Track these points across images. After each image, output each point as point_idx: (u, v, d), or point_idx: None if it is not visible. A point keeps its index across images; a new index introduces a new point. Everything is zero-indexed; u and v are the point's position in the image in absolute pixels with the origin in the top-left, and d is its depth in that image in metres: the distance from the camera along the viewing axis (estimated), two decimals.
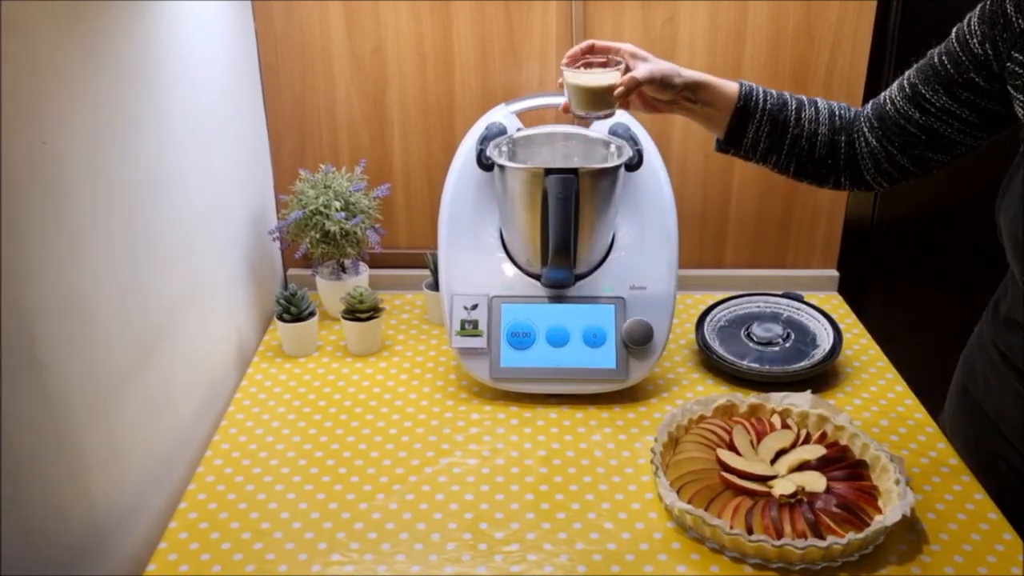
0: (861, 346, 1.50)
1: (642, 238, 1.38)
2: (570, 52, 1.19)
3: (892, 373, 1.42)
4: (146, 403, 1.11)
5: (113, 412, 1.03)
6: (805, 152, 1.17)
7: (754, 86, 1.17)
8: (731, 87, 1.17)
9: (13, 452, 0.84)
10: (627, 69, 1.16)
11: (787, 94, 1.18)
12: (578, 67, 1.17)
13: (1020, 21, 1.00)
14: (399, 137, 1.62)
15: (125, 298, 1.05)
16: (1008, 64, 1.02)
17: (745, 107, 1.16)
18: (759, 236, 1.69)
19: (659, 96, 1.17)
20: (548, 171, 1.25)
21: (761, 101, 1.16)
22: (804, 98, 1.18)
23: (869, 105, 1.17)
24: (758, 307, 1.53)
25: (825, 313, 1.48)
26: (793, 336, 1.45)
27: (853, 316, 1.61)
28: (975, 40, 1.05)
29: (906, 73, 1.14)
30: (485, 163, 1.34)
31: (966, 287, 1.81)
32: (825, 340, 1.43)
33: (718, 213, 1.67)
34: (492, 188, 1.37)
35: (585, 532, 1.08)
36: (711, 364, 1.42)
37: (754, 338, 1.44)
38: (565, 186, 1.24)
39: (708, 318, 1.50)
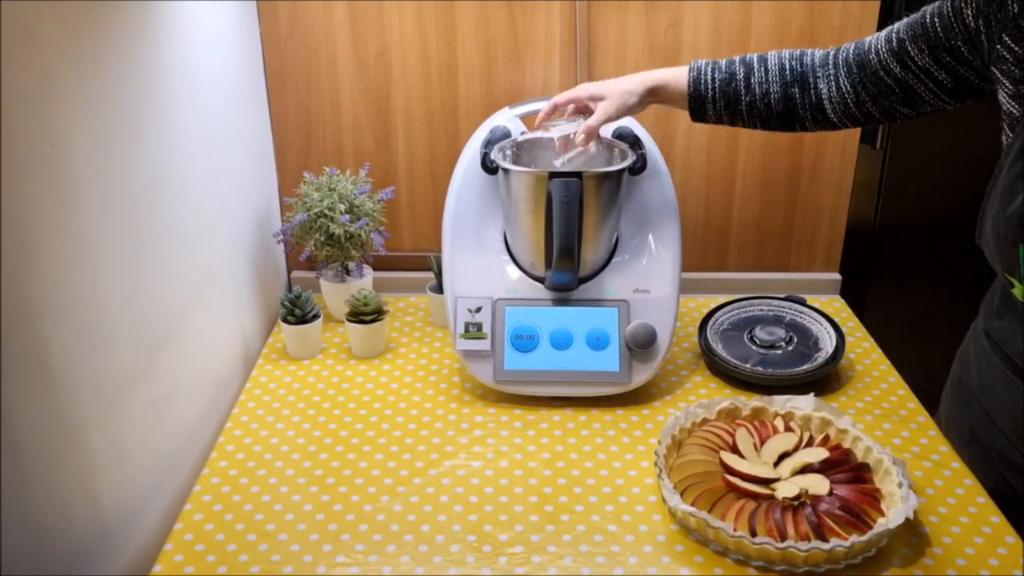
0: (864, 349, 1.50)
1: (645, 241, 1.38)
2: (540, 115, 1.32)
3: (895, 376, 1.43)
4: (152, 404, 1.12)
5: (119, 413, 1.03)
6: (763, 112, 1.24)
7: (702, 67, 1.26)
8: (682, 77, 1.26)
9: (20, 452, 0.84)
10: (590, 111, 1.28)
11: (736, 60, 1.25)
12: (551, 123, 1.33)
13: (1015, 6, 1.00)
14: (403, 140, 1.62)
15: (131, 300, 1.06)
16: (997, 47, 1.02)
17: (696, 92, 1.25)
18: (762, 239, 1.70)
19: (626, 116, 1.28)
20: (552, 174, 1.26)
21: (710, 81, 1.25)
22: (755, 58, 1.25)
23: (851, 48, 1.21)
24: (761, 310, 1.53)
25: (827, 316, 1.49)
26: (796, 339, 1.45)
27: (855, 319, 1.61)
28: (969, 11, 1.05)
29: (895, 26, 1.16)
30: (489, 166, 1.35)
31: (968, 291, 1.81)
32: (828, 343, 1.44)
33: (721, 216, 1.68)
34: (496, 191, 1.37)
35: (589, 534, 1.09)
36: (714, 367, 1.42)
37: (757, 341, 1.45)
38: (569, 189, 1.25)
39: (711, 321, 1.50)
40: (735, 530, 1.02)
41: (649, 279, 1.36)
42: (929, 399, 1.37)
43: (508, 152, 1.36)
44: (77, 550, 0.95)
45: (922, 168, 1.80)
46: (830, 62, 1.21)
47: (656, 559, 1.04)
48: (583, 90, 1.29)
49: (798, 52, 1.24)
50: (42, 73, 0.86)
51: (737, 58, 1.26)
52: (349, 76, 1.57)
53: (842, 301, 1.68)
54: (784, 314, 1.52)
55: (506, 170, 1.31)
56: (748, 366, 1.39)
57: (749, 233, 1.69)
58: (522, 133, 1.40)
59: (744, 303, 1.54)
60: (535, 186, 1.28)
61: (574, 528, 1.09)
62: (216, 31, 1.34)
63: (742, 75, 1.24)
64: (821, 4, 1.51)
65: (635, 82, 1.26)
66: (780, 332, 1.46)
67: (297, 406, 1.34)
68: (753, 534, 1.03)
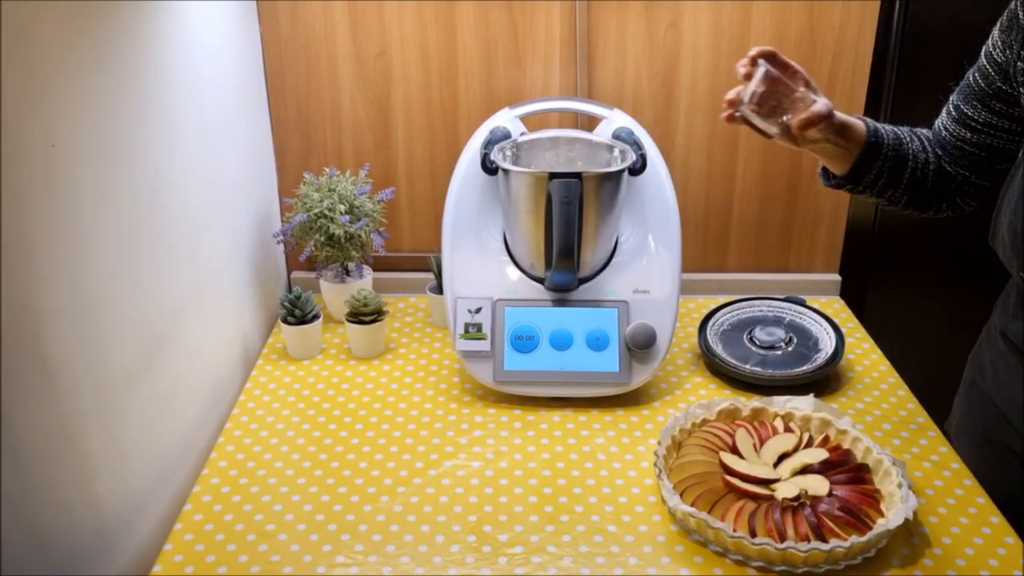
0: (863, 350, 1.50)
1: (645, 242, 1.38)
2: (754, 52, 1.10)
3: (894, 377, 1.43)
4: (152, 404, 1.12)
5: (119, 413, 1.03)
6: (919, 183, 1.18)
7: (874, 122, 1.16)
8: (859, 123, 1.14)
9: (20, 451, 0.85)
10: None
11: (892, 127, 1.18)
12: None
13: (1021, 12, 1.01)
14: (403, 141, 1.62)
15: (131, 300, 1.06)
16: (1019, 63, 1.03)
17: (875, 144, 1.14)
18: (761, 240, 1.70)
19: (814, 135, 1.11)
20: (552, 175, 1.26)
21: (884, 137, 1.15)
22: (905, 130, 1.20)
23: (930, 135, 1.20)
24: (760, 311, 1.53)
25: (827, 317, 1.49)
26: (796, 340, 1.45)
27: (855, 320, 1.61)
28: (996, 50, 1.08)
29: (949, 98, 1.17)
30: (489, 167, 1.35)
31: (968, 291, 1.81)
32: (827, 344, 1.44)
33: (721, 217, 1.68)
34: (496, 192, 1.37)
35: (589, 535, 1.09)
36: (714, 368, 1.42)
37: (757, 342, 1.45)
38: (569, 190, 1.25)
39: (711, 322, 1.50)
40: (735, 531, 1.02)
41: (649, 280, 1.36)
42: (929, 400, 1.36)
43: (508, 153, 1.36)
44: (77, 550, 0.95)
45: None
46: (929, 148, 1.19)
47: (656, 559, 1.04)
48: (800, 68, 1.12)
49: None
50: (42, 73, 0.86)
51: (888, 125, 1.19)
52: (349, 76, 1.57)
53: (842, 302, 1.68)
54: (784, 315, 1.52)
55: (506, 170, 1.31)
56: (748, 367, 1.39)
57: (749, 234, 1.69)
58: (522, 134, 1.40)
59: (744, 304, 1.54)
60: (535, 186, 1.28)
61: (574, 528, 1.09)
62: (216, 31, 1.34)
63: (906, 138, 1.17)
64: (821, 4, 1.51)
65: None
66: (780, 333, 1.46)
67: (297, 407, 1.34)
68: (753, 535, 1.03)
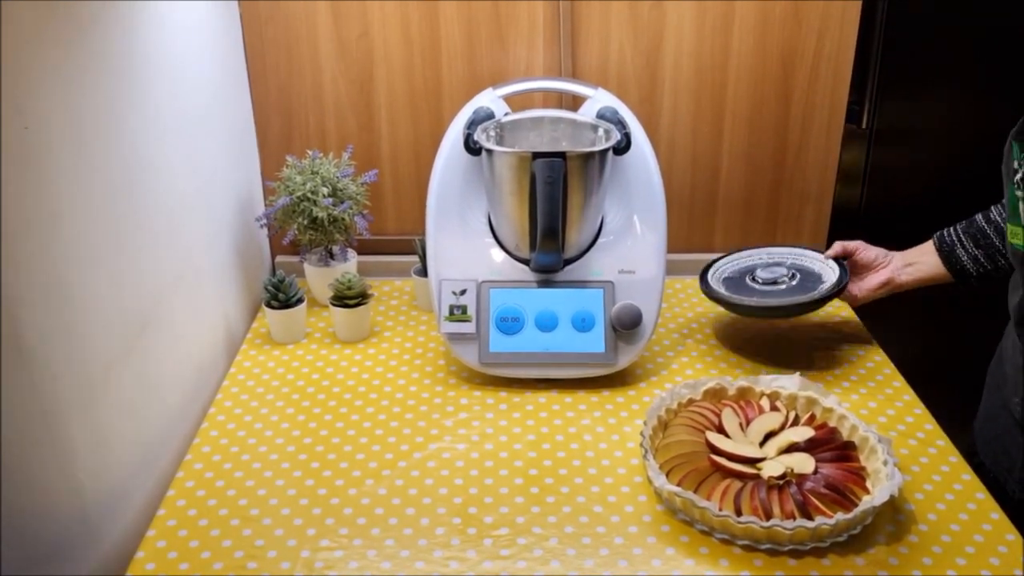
0: (850, 328, 1.50)
1: (631, 222, 1.37)
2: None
3: (880, 355, 1.43)
4: (133, 390, 1.11)
5: (100, 399, 1.02)
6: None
7: (943, 232, 1.33)
8: (927, 246, 1.35)
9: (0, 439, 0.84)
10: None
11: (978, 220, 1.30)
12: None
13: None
14: (386, 123, 1.61)
15: (111, 285, 1.04)
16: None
17: (942, 244, 1.32)
18: (747, 219, 1.69)
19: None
20: (536, 155, 1.25)
21: (950, 232, 1.32)
22: (980, 213, 1.30)
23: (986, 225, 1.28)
24: (760, 258, 1.50)
25: (831, 257, 1.45)
26: (799, 276, 1.43)
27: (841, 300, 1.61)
28: (1005, 165, 1.11)
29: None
30: (473, 148, 1.34)
31: None
32: (831, 276, 1.41)
33: (706, 196, 1.67)
34: (480, 173, 1.36)
35: (575, 515, 1.08)
36: (720, 302, 1.41)
37: (759, 280, 1.43)
38: (553, 170, 1.24)
39: (711, 271, 1.48)
40: (720, 510, 1.02)
41: (634, 260, 1.36)
42: (914, 377, 1.37)
43: (492, 133, 1.35)
44: (59, 536, 0.95)
45: (908, 146, 1.80)
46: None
47: (642, 539, 1.04)
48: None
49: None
50: (14, 53, 0.85)
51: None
52: (331, 58, 1.56)
53: None
54: (785, 259, 1.49)
55: (489, 151, 1.30)
56: (753, 299, 1.38)
57: (735, 213, 1.69)
58: (506, 114, 1.39)
59: (743, 253, 1.52)
60: (519, 167, 1.27)
61: (560, 509, 1.09)
62: (194, 11, 1.32)
63: (981, 218, 1.28)
64: None
65: (900, 270, 1.37)
66: (782, 271, 1.44)
67: (281, 391, 1.34)
68: (739, 513, 1.02)
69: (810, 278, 1.43)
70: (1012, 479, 1.19)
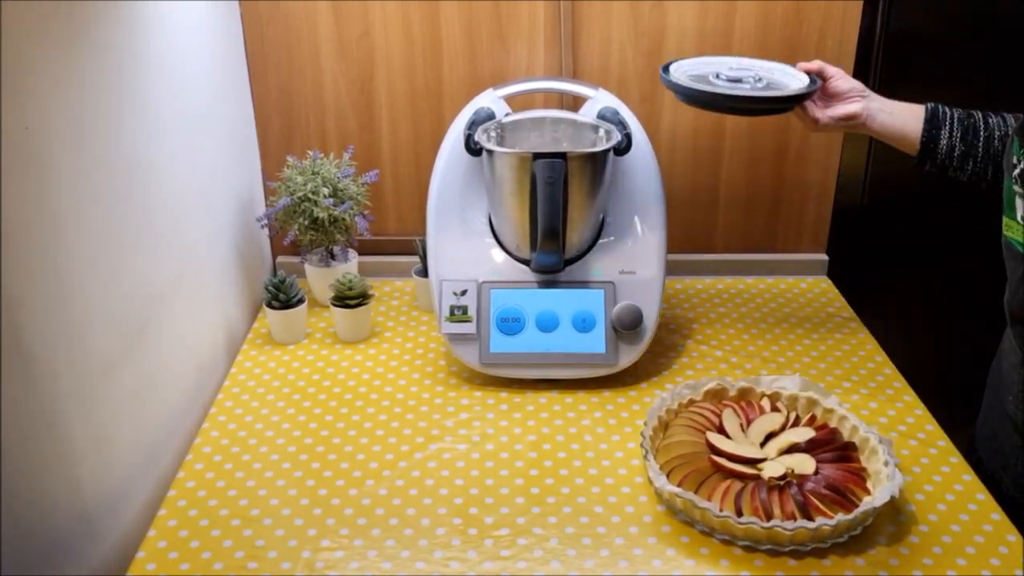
0: (851, 329, 1.50)
1: (631, 222, 1.37)
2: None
3: (881, 356, 1.42)
4: (134, 391, 1.11)
5: (101, 399, 1.02)
6: (1001, 153, 1.18)
7: (936, 104, 1.24)
8: (916, 107, 1.25)
9: (0, 439, 0.84)
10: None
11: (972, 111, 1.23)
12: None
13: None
14: (387, 123, 1.61)
15: (111, 285, 1.04)
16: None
17: (933, 116, 1.23)
18: (748, 220, 1.69)
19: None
20: (536, 155, 1.25)
21: (946, 111, 1.23)
22: (981, 112, 1.23)
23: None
24: (730, 65, 1.37)
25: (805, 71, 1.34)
26: (765, 81, 1.33)
27: (842, 300, 1.61)
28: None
29: None
30: (473, 148, 1.34)
31: (955, 271, 1.81)
32: (801, 82, 1.31)
33: (707, 197, 1.67)
34: (481, 173, 1.36)
35: (575, 516, 1.08)
36: (684, 96, 1.29)
37: (724, 78, 1.32)
38: (553, 170, 1.24)
39: (673, 66, 1.34)
40: (721, 510, 1.02)
41: (635, 261, 1.36)
42: (915, 379, 1.36)
43: (492, 134, 1.35)
44: (59, 537, 0.95)
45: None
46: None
47: (642, 540, 1.04)
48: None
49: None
50: (16, 53, 0.85)
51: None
52: (332, 58, 1.56)
53: (829, 282, 1.68)
54: (753, 67, 1.37)
55: (490, 152, 1.30)
56: (715, 90, 1.28)
57: (736, 214, 1.69)
58: (506, 115, 1.39)
59: (709, 59, 1.39)
60: (519, 167, 1.27)
61: (560, 510, 1.09)
62: (195, 11, 1.32)
63: (980, 114, 1.22)
64: None
65: (873, 110, 1.27)
66: (749, 75, 1.33)
67: (282, 391, 1.34)
68: (739, 514, 1.02)
69: (777, 87, 1.32)
70: (1007, 477, 1.19)
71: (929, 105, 1.25)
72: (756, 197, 1.67)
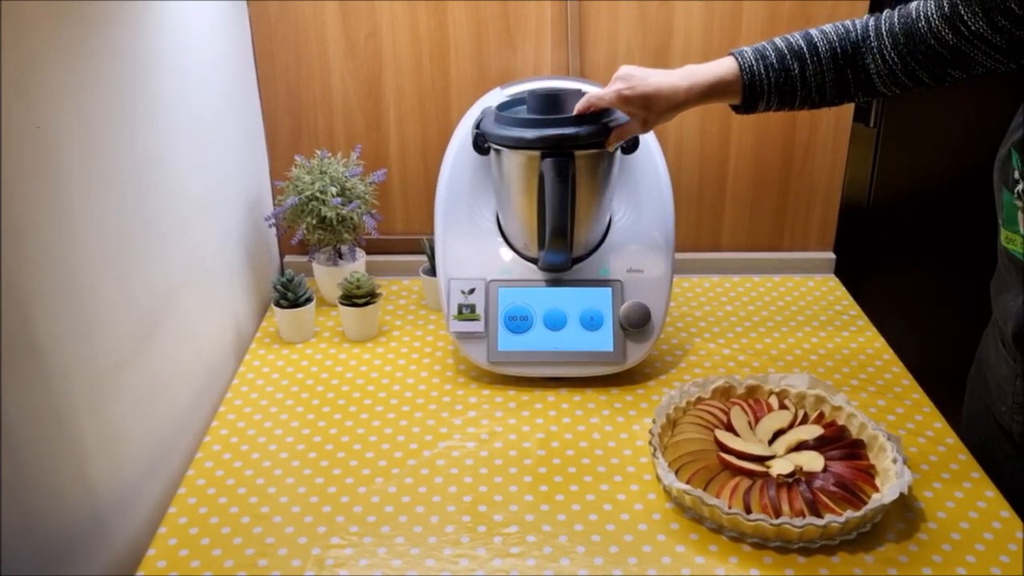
0: (858, 327, 1.50)
1: (639, 221, 1.38)
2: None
3: (889, 354, 1.42)
4: (144, 389, 1.11)
5: (111, 397, 1.03)
6: (815, 100, 1.17)
7: (753, 65, 1.14)
8: (733, 80, 1.15)
9: (11, 436, 0.84)
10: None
11: (785, 52, 1.15)
12: None
13: None
14: (395, 122, 1.61)
15: (121, 284, 1.05)
16: None
17: (752, 96, 1.15)
18: (755, 219, 1.69)
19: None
20: (544, 154, 1.25)
21: (764, 80, 1.15)
22: (804, 47, 1.15)
23: (896, 17, 1.12)
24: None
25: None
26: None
27: (850, 298, 1.61)
28: None
29: None
30: (481, 147, 1.34)
31: (963, 268, 1.81)
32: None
33: (714, 195, 1.67)
34: (488, 172, 1.37)
35: (584, 513, 1.08)
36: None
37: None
38: (561, 168, 1.24)
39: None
40: (730, 507, 1.02)
41: (643, 259, 1.36)
42: (924, 376, 1.36)
43: None
44: (70, 534, 0.95)
45: (916, 145, 1.79)
46: (872, 34, 1.13)
47: (651, 537, 1.04)
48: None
49: (842, 29, 1.15)
50: (27, 53, 0.85)
51: (783, 46, 1.15)
52: (339, 58, 1.56)
53: (837, 280, 1.68)
54: None
55: (498, 150, 1.30)
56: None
57: (742, 212, 1.69)
58: None
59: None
60: (527, 166, 1.27)
61: (569, 507, 1.09)
62: (204, 12, 1.33)
63: (797, 71, 1.14)
64: None
65: (678, 85, 1.17)
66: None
67: (291, 390, 1.34)
68: (748, 511, 1.02)
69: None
70: (1001, 488, 1.18)
71: (745, 76, 1.15)
72: (763, 196, 1.67)
